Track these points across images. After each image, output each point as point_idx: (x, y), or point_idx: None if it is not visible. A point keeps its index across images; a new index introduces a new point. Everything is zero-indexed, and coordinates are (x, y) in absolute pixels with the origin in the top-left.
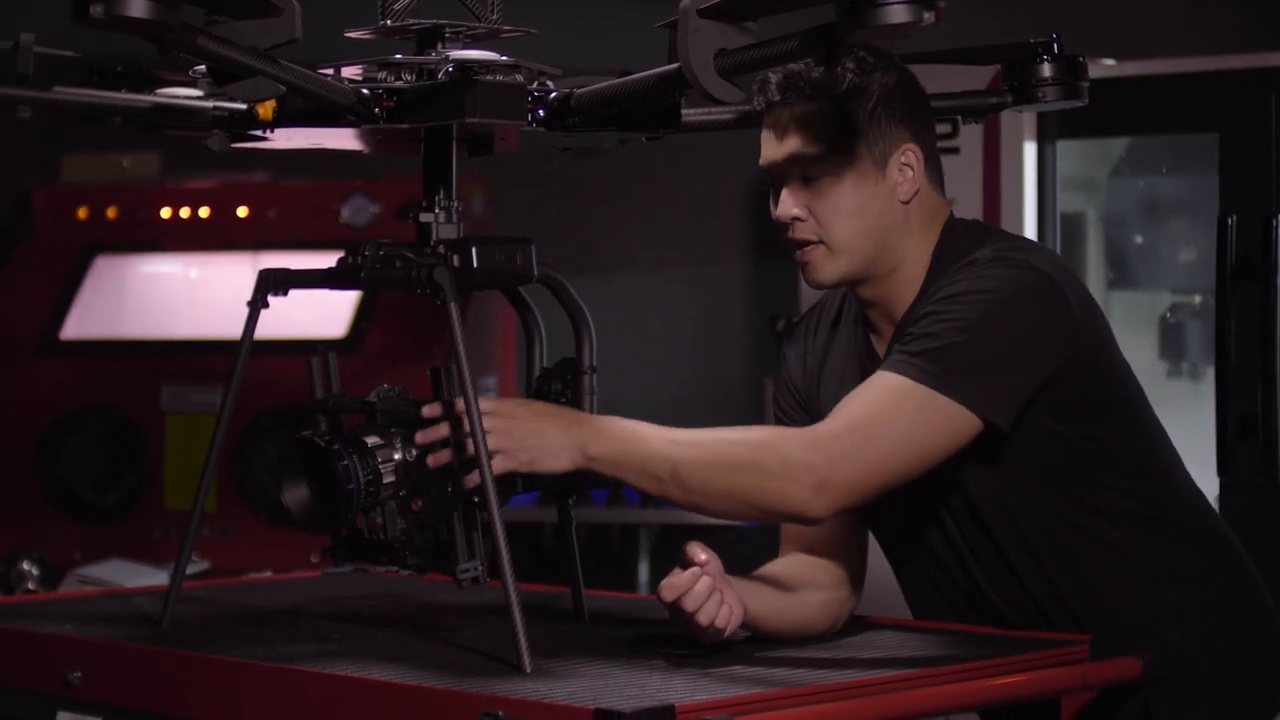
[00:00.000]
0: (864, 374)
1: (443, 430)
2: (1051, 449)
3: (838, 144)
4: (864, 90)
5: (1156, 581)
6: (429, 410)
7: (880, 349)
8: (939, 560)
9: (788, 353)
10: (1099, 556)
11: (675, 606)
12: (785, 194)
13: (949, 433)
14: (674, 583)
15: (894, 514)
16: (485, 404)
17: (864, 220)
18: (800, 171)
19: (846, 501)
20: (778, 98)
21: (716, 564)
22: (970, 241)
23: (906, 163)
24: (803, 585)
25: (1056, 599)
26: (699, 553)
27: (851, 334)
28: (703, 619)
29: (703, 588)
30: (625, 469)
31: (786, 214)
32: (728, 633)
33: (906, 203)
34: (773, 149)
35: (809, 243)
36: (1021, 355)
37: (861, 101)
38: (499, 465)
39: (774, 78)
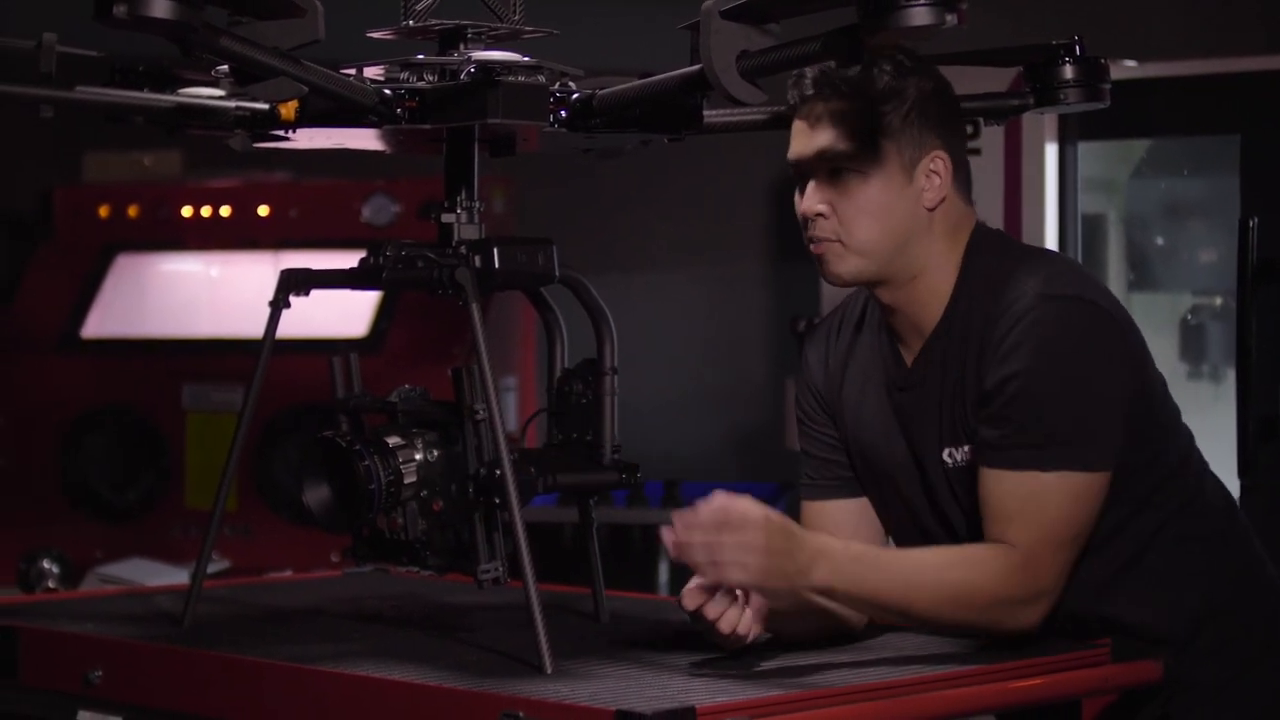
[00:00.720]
0: (886, 384)
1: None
2: None
3: (868, 144)
4: (899, 93)
5: (1180, 584)
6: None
7: (908, 359)
8: None
9: (809, 355)
10: (1123, 562)
11: (697, 614)
12: (810, 188)
13: (1095, 497)
14: (695, 590)
15: (910, 531)
16: (733, 516)
17: (886, 222)
18: (827, 167)
19: (1053, 604)
20: (812, 92)
21: None
22: (999, 257)
23: (934, 169)
24: None
25: (1077, 604)
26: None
27: (875, 341)
28: (724, 627)
29: (724, 596)
30: (851, 601)
31: (810, 209)
32: (750, 638)
33: (931, 210)
34: (802, 143)
35: (827, 239)
36: (1109, 401)
37: (896, 104)
38: (710, 575)
39: (810, 73)
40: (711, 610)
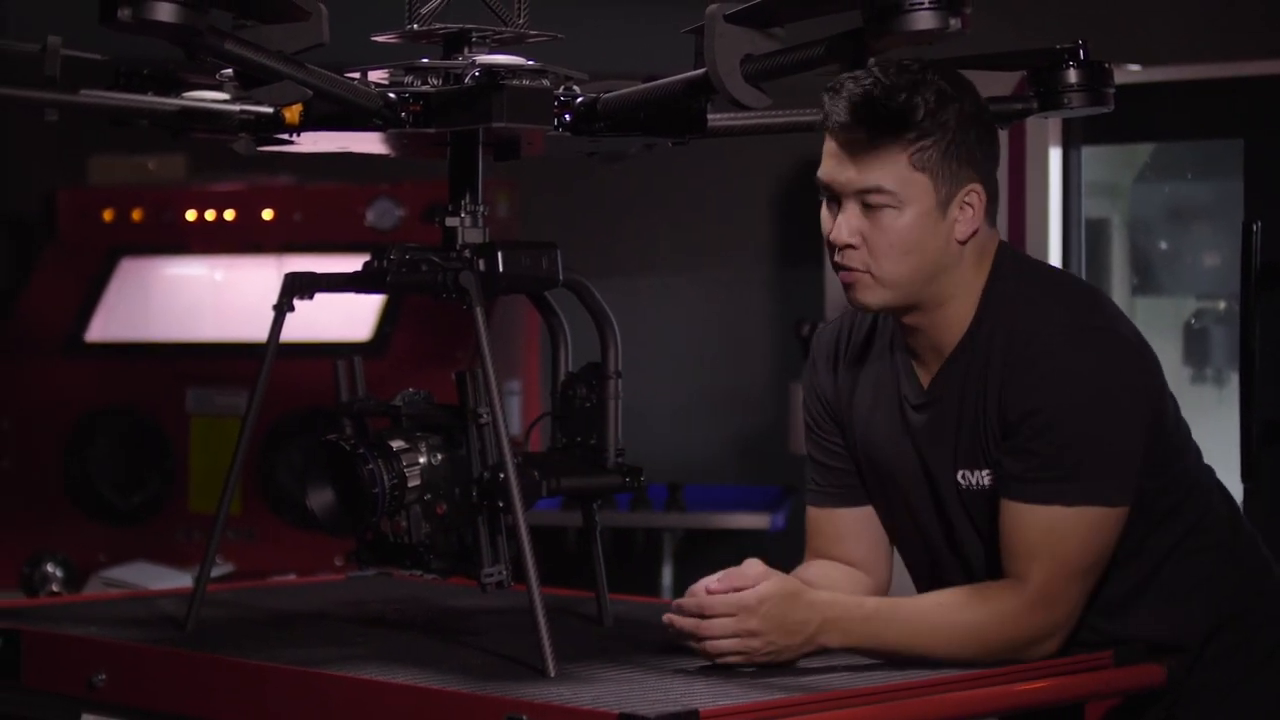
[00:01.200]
0: (899, 401)
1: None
2: None
3: (908, 180)
4: (941, 126)
5: (1191, 597)
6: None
7: (924, 379)
8: (949, 581)
9: (817, 360)
10: (1136, 582)
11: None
12: (842, 219)
13: (1114, 530)
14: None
15: (915, 542)
16: (739, 607)
17: (919, 258)
18: (861, 199)
19: (1071, 628)
20: (847, 119)
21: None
22: (1023, 280)
23: (969, 203)
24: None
25: (1089, 623)
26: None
27: (888, 356)
28: (711, 649)
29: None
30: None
31: (840, 239)
32: None
33: (963, 242)
34: (835, 169)
35: (856, 269)
36: (1132, 436)
37: (937, 139)
38: (733, 654)
39: (848, 92)
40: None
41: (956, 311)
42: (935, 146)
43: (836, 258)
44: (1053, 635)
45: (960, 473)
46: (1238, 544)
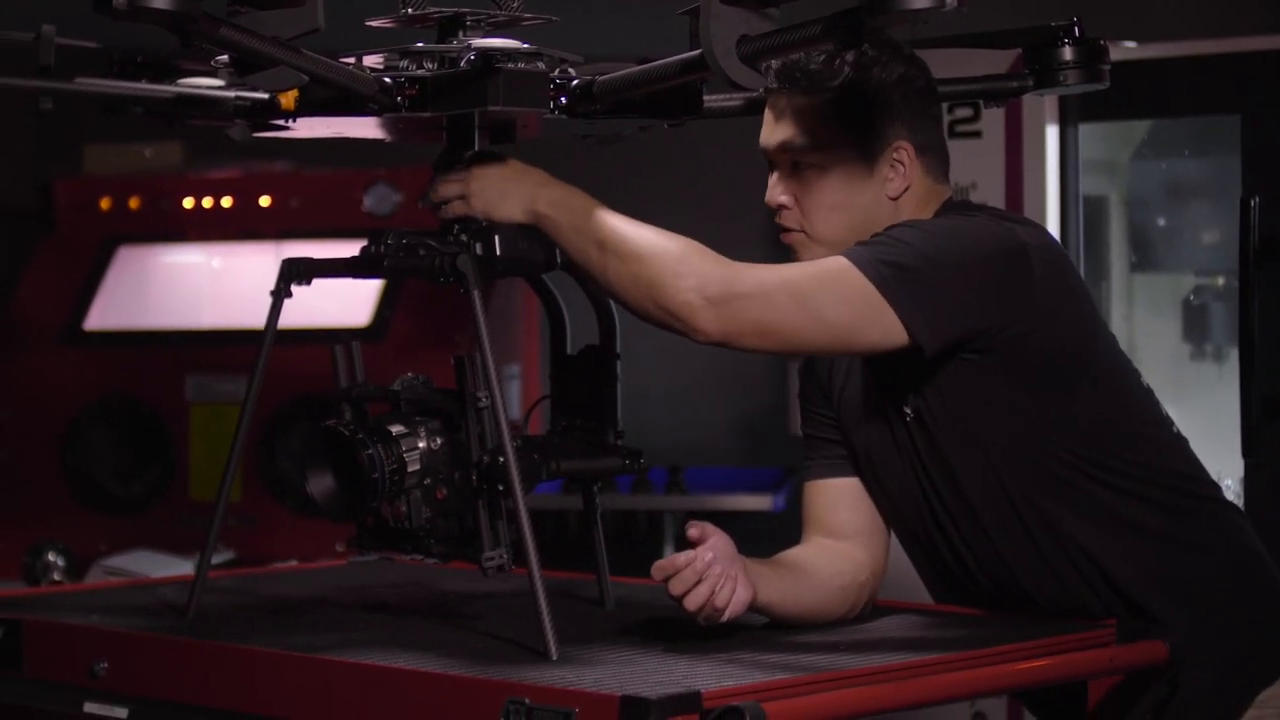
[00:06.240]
0: (866, 364)
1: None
2: (1028, 426)
3: (826, 138)
4: (860, 85)
5: (1165, 555)
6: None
7: None
8: (940, 556)
9: None
10: (1096, 536)
11: (667, 590)
12: (774, 179)
13: (868, 332)
14: (663, 564)
15: (896, 510)
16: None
17: (847, 215)
18: (790, 160)
19: (735, 332)
20: (775, 85)
21: (726, 546)
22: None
23: (898, 159)
24: (822, 570)
25: (1054, 581)
26: (695, 532)
27: None
28: (689, 605)
29: (690, 574)
30: (565, 231)
31: (773, 200)
32: (727, 615)
33: (896, 199)
34: (767, 133)
35: (792, 229)
36: (961, 289)
37: (855, 97)
38: (459, 209)
39: (775, 64)
40: (676, 586)
41: None
42: (853, 105)
43: (776, 219)
44: (709, 293)
45: (905, 407)
46: (1216, 513)
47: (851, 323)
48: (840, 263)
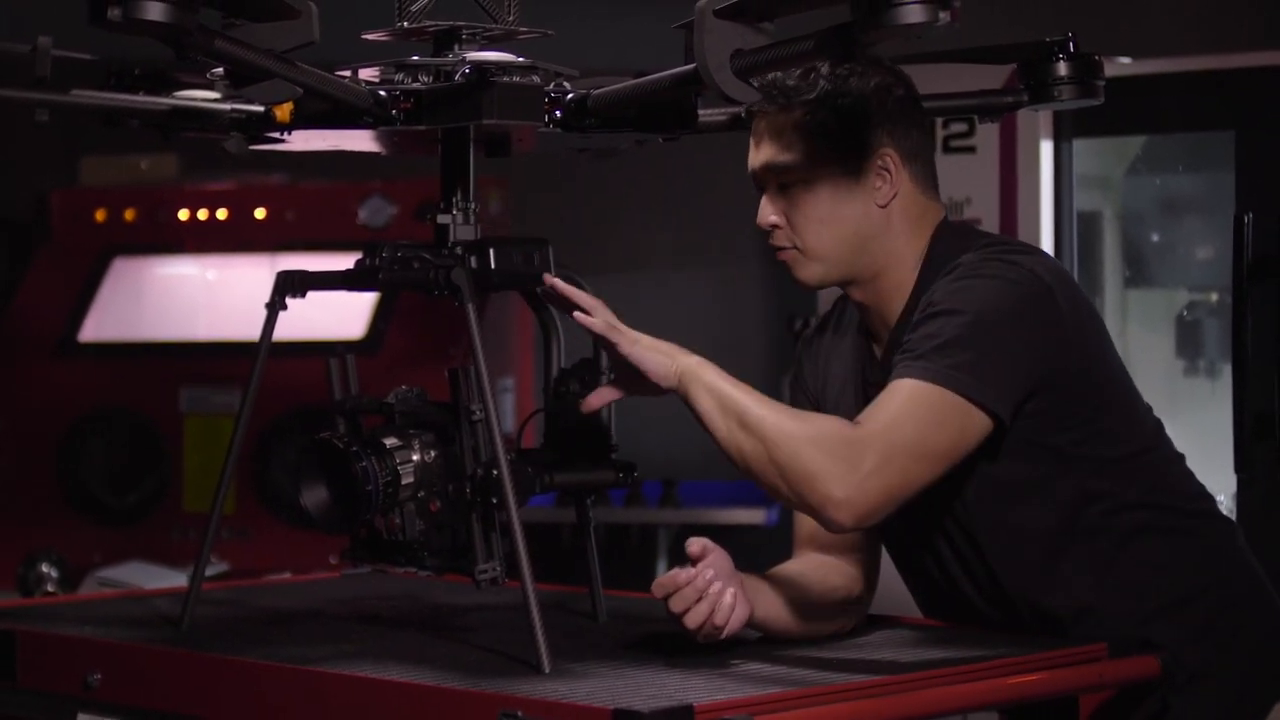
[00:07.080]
0: (862, 381)
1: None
2: (1043, 459)
3: (808, 154)
4: (837, 97)
5: (1161, 572)
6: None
7: (879, 354)
8: (932, 576)
9: (803, 356)
10: (1090, 553)
11: (666, 608)
12: (764, 200)
13: (969, 436)
14: (663, 581)
15: (890, 529)
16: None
17: (838, 228)
18: (776, 179)
19: (870, 518)
20: (755, 108)
21: (725, 564)
22: (960, 244)
23: (884, 167)
24: (816, 585)
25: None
26: (696, 548)
27: (854, 340)
28: (689, 623)
29: (691, 591)
30: (708, 412)
31: (764, 221)
32: (726, 633)
33: (885, 206)
34: (752, 155)
35: (786, 247)
36: (1018, 352)
37: (833, 109)
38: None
39: (755, 83)
40: (677, 603)
41: (896, 282)
42: (831, 117)
43: (769, 241)
44: (844, 479)
45: None
46: (1211, 530)
47: (955, 440)
48: (920, 389)
